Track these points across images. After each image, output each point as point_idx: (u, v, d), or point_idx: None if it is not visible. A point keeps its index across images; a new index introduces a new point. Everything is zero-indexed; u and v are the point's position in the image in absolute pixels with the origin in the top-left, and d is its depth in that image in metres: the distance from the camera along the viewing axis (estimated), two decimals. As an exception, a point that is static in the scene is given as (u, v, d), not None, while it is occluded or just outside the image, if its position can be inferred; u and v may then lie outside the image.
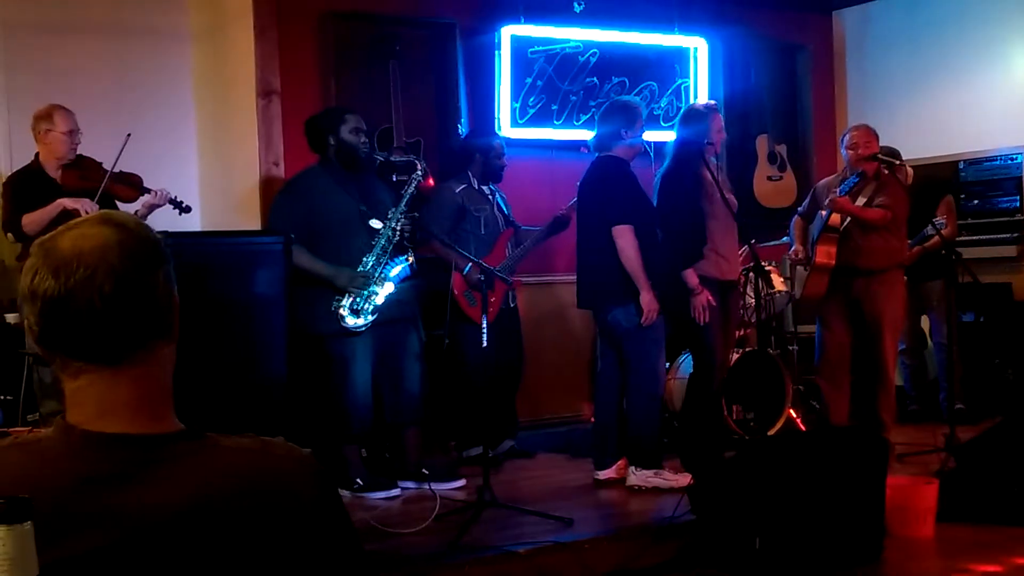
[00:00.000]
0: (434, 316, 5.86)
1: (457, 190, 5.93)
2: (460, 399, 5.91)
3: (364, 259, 5.06)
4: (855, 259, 5.87)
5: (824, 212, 5.95)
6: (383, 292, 5.06)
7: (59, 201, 5.12)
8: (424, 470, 5.18)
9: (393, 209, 5.12)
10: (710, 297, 5.32)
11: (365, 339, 5.08)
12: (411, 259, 5.09)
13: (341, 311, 5.01)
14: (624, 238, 5.17)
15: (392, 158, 5.22)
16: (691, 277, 5.32)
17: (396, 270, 5.08)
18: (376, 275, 5.06)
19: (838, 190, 5.81)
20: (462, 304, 5.76)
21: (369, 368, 5.13)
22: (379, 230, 5.09)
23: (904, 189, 5.89)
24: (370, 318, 5.05)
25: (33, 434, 1.44)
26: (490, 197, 6.06)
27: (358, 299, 5.02)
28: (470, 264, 5.62)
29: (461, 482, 5.23)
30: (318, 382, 5.17)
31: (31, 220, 5.11)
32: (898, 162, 5.96)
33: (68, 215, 4.94)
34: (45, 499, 1.24)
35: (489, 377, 5.41)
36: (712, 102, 5.90)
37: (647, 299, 5.14)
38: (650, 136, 6.78)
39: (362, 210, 5.13)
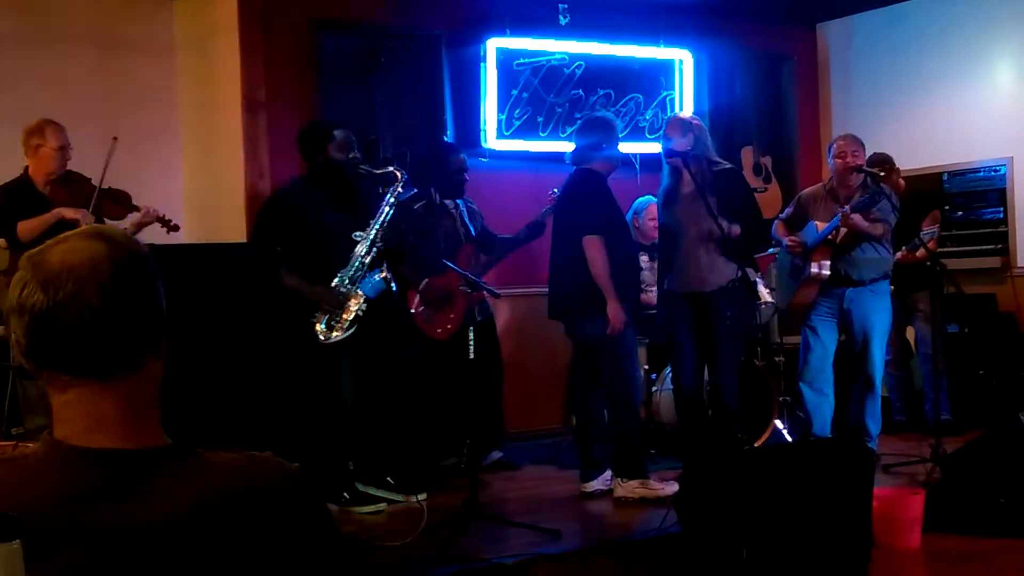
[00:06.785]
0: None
1: (415, 206, 5.90)
2: (429, 411, 5.93)
3: (340, 273, 5.02)
4: (848, 270, 5.90)
5: (820, 225, 5.91)
6: (357, 306, 5.00)
7: (57, 210, 5.10)
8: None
9: (372, 222, 5.10)
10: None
11: (348, 351, 5.05)
12: (385, 273, 5.05)
13: (317, 326, 4.98)
14: (593, 248, 5.19)
15: (375, 171, 5.17)
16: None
17: (371, 284, 5.03)
18: (352, 289, 5.02)
19: (848, 207, 5.77)
20: (418, 321, 5.72)
21: (350, 380, 5.10)
22: (357, 243, 5.06)
23: (892, 200, 5.89)
24: (348, 332, 5.00)
25: (19, 449, 1.43)
26: (453, 212, 6.02)
27: (334, 315, 5.00)
28: (426, 280, 5.63)
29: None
30: (306, 393, 5.16)
31: (26, 227, 5.09)
32: (883, 173, 5.97)
33: (65, 224, 4.92)
34: (32, 515, 1.23)
35: (454, 390, 5.39)
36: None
37: (613, 309, 5.16)
38: (636, 148, 6.82)
39: (345, 223, 5.09)
